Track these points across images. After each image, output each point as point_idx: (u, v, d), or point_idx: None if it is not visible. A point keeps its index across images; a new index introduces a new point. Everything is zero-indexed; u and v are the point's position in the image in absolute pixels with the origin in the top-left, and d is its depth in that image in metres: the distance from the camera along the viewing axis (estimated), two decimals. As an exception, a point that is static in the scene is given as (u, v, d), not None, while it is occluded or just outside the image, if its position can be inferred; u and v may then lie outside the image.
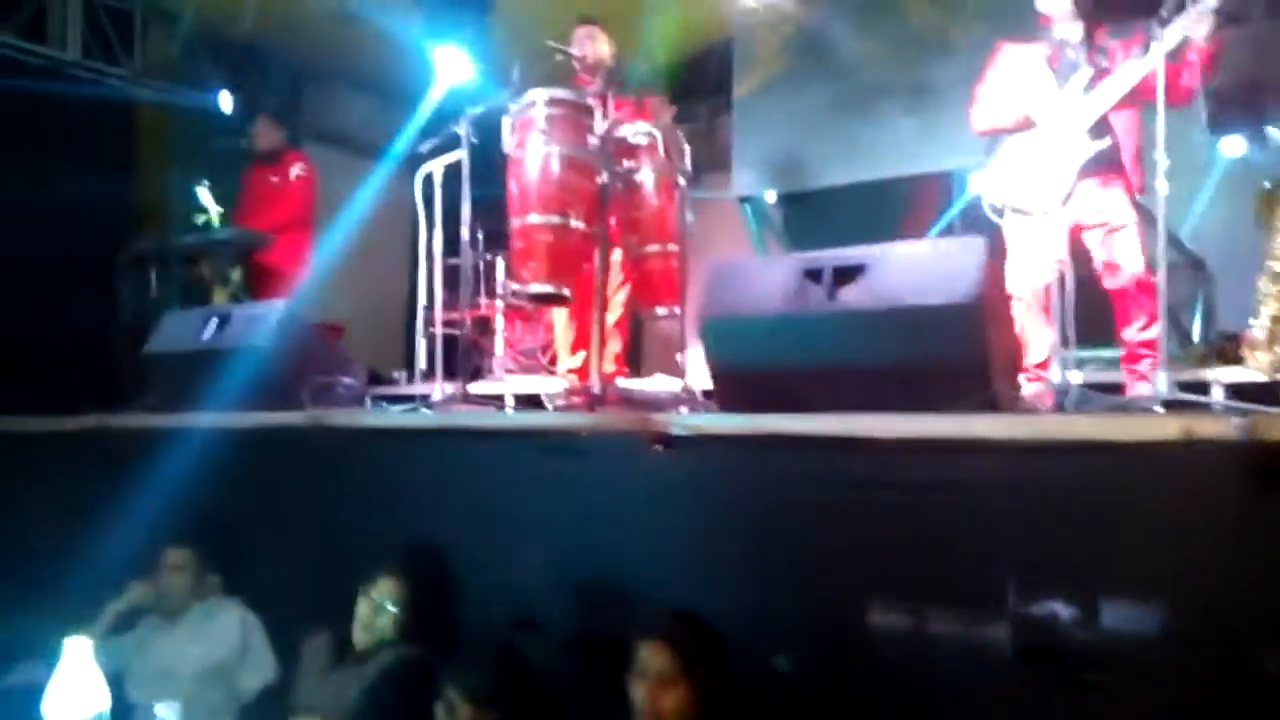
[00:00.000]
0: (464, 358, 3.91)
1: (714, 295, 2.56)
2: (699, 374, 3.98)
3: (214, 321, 3.73)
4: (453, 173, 3.98)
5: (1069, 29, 3.36)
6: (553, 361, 5.96)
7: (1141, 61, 3.11)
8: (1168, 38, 2.98)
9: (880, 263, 2.40)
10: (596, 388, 3.54)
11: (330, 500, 3.09)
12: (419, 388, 4.36)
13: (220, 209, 5.30)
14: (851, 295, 2.40)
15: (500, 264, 6.36)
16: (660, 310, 3.78)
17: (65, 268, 5.11)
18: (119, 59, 6.03)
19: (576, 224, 3.45)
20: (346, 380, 3.80)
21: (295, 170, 5.24)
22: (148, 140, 6.13)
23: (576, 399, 3.82)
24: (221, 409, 3.41)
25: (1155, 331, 3.09)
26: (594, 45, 4.20)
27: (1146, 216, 3.23)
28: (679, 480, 2.50)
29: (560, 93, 3.53)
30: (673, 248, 3.70)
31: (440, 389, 3.71)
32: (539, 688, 2.32)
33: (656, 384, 4.06)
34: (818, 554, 2.24)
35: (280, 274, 5.18)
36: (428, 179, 4.24)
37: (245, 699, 3.02)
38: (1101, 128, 3.31)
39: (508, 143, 3.64)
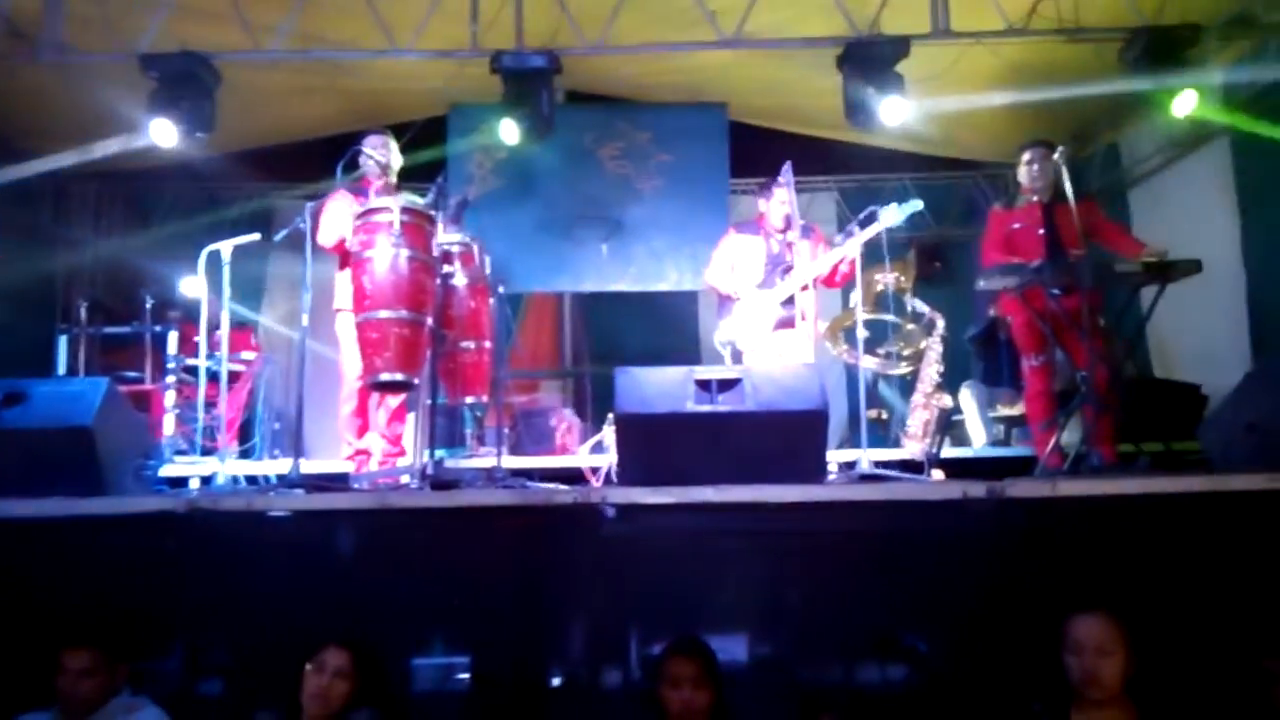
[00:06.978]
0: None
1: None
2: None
3: (-2, 398, 3.30)
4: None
5: (775, 231, 4.74)
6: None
7: (814, 265, 4.56)
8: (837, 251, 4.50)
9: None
10: (431, 469, 3.88)
11: (224, 586, 3.06)
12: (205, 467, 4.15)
13: None
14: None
15: (172, 338, 6.01)
16: (469, 400, 4.25)
17: None
18: None
19: (427, 320, 3.83)
20: (151, 461, 3.63)
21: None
22: None
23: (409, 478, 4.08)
24: (35, 495, 3.09)
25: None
26: (389, 153, 4.59)
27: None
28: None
29: (410, 202, 3.90)
30: (486, 344, 4.22)
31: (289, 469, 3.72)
32: None
33: (473, 463, 4.47)
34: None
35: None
36: (214, 256, 4.20)
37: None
38: (790, 298, 4.68)
39: (350, 242, 3.91)
